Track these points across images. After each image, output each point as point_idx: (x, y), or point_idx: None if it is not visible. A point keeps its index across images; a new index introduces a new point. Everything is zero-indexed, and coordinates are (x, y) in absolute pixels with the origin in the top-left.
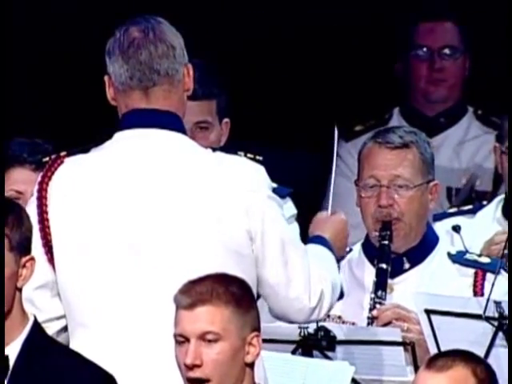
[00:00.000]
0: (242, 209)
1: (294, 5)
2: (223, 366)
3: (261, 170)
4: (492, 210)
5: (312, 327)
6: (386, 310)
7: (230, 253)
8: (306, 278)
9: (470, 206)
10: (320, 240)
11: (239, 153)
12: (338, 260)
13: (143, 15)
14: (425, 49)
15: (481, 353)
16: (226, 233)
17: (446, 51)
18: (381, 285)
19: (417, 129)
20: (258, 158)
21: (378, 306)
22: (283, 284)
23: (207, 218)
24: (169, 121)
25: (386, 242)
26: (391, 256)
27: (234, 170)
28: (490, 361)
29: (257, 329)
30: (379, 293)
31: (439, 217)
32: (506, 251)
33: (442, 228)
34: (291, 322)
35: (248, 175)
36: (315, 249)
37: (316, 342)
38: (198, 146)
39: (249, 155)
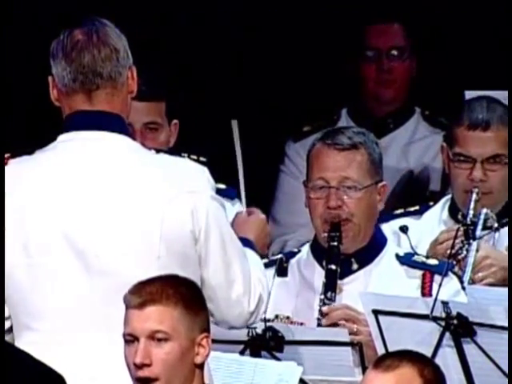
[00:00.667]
0: (186, 210)
1: (238, 3)
2: (172, 366)
3: (204, 172)
4: (438, 211)
5: (260, 328)
6: (337, 309)
7: (174, 254)
8: (246, 280)
9: (416, 207)
10: (245, 242)
11: (183, 154)
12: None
13: (91, 17)
14: (373, 50)
15: (428, 353)
16: (170, 234)
17: (394, 52)
18: (330, 286)
19: (365, 129)
20: (201, 159)
21: (326, 307)
22: (224, 286)
23: (151, 219)
24: (112, 123)
25: (336, 244)
26: (340, 257)
27: (178, 172)
28: (437, 361)
29: (206, 330)
30: (329, 294)
31: (386, 218)
32: (452, 251)
33: (388, 229)
34: (230, 328)
35: (191, 176)
36: (246, 252)
37: (264, 343)
38: (142, 148)
39: (192, 157)
